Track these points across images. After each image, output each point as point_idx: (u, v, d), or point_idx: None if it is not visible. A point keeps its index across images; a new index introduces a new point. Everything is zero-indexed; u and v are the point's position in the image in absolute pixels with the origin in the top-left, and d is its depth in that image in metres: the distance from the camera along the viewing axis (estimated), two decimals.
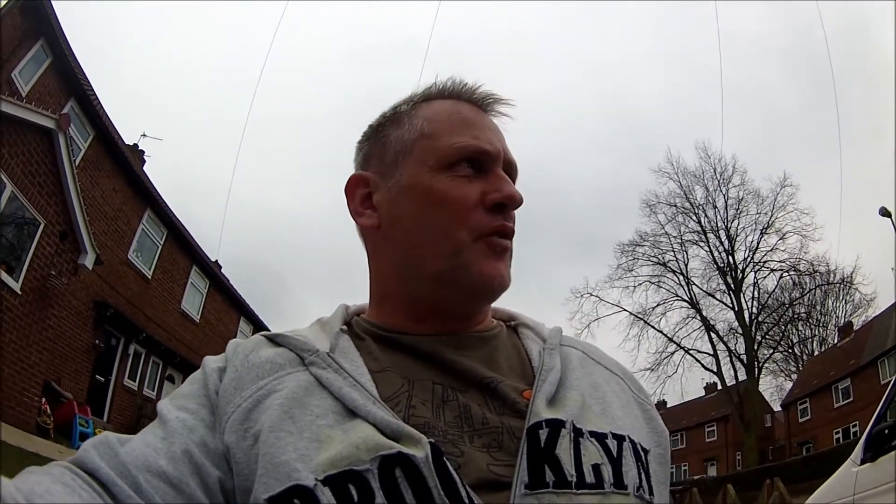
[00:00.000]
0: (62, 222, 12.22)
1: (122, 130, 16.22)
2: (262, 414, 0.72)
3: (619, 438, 0.74)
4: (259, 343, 0.84)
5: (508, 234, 0.85)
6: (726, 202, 33.96)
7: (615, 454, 0.72)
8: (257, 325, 27.60)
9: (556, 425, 0.71)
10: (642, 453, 0.77)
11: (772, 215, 32.74)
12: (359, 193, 0.92)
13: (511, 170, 0.90)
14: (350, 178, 0.94)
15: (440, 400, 0.75)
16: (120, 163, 16.01)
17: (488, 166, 0.86)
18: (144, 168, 18.92)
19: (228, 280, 24.86)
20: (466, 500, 0.63)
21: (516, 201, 0.85)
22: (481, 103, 0.94)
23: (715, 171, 34.19)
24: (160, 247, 19.02)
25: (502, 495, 0.65)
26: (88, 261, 13.07)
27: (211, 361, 0.83)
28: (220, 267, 24.53)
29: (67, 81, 13.42)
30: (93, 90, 14.01)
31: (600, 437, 0.73)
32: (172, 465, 0.68)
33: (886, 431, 4.72)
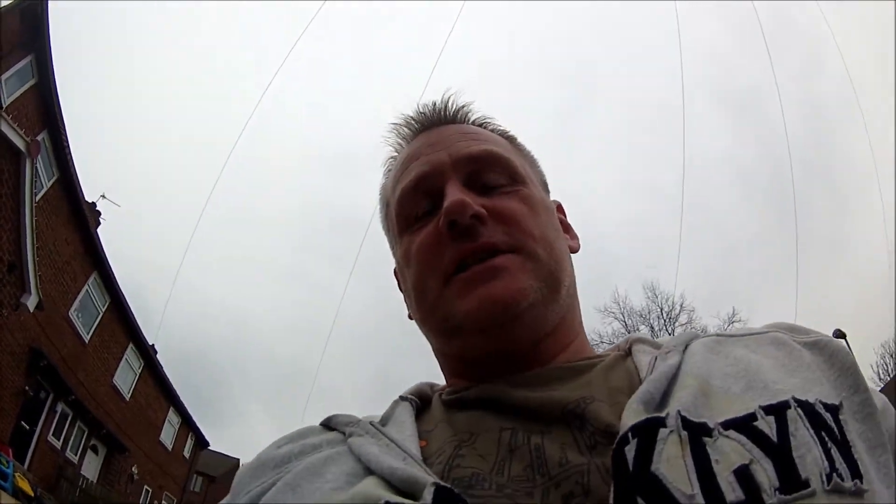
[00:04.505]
0: (12, 253, 11.58)
1: (84, 183, 15.74)
2: (268, 494, 0.62)
3: (778, 409, 0.51)
4: (307, 431, 0.73)
5: (478, 254, 0.70)
6: None
7: (775, 438, 0.48)
8: (186, 420, 26.10)
9: (650, 429, 0.49)
10: (827, 415, 0.52)
11: None
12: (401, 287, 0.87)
13: (479, 164, 0.77)
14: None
15: (507, 449, 0.58)
16: (77, 215, 15.52)
17: (437, 188, 0.75)
18: (98, 230, 18.26)
19: (162, 367, 23.62)
20: None
21: (453, 212, 0.70)
22: (431, 123, 0.85)
23: (662, 311, 34.73)
24: (101, 314, 18.04)
25: None
26: (31, 302, 12.36)
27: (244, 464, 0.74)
28: (157, 352, 23.35)
29: (45, 110, 13.12)
30: (65, 130, 13.72)
31: (743, 424, 0.50)
32: None
33: None
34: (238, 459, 34.39)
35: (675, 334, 0.74)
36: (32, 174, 11.41)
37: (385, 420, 0.70)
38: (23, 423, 13.41)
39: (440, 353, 0.80)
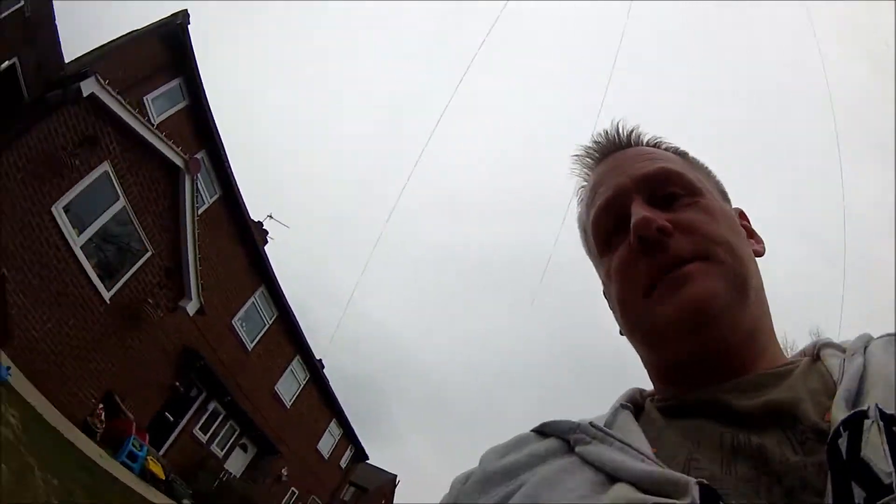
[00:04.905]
0: (170, 260, 12.78)
1: (249, 203, 16.89)
2: None
3: None
4: (523, 440, 0.78)
5: (669, 265, 0.73)
6: None
7: None
8: (347, 432, 27.11)
9: (855, 422, 0.55)
10: None
11: None
12: None
13: (657, 181, 0.81)
14: None
15: (730, 451, 0.62)
16: (242, 232, 16.74)
17: (624, 209, 0.79)
18: (265, 248, 19.69)
19: (328, 381, 24.77)
20: None
21: (640, 228, 0.74)
22: (609, 149, 0.89)
23: None
24: (267, 325, 19.20)
25: None
26: (191, 307, 13.39)
27: (457, 477, 0.80)
28: (324, 366, 24.56)
29: (200, 132, 14.18)
30: (224, 150, 14.88)
31: None
32: None
33: None
34: (395, 475, 35.13)
35: (854, 338, 0.75)
36: (193, 189, 12.48)
37: (609, 425, 0.72)
38: (167, 414, 14.71)
39: (648, 363, 0.82)
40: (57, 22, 9.23)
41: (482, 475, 0.73)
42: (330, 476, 26.24)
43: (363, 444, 28.50)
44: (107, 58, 10.86)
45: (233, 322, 17.29)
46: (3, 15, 7.72)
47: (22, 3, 7.99)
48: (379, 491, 33.95)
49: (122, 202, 10.87)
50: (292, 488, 22.73)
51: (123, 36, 11.64)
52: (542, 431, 0.76)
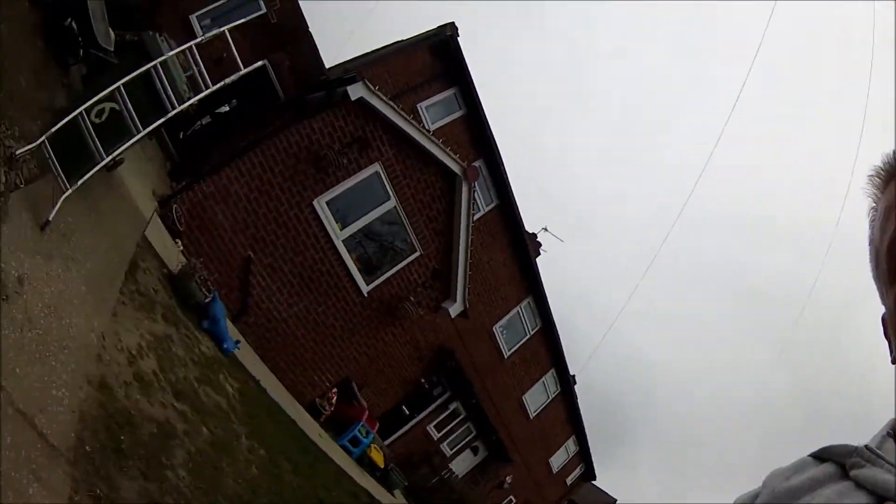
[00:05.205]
0: (439, 262, 12.45)
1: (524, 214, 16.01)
2: None
3: None
4: (803, 464, 0.84)
5: None
6: None
7: None
8: (583, 451, 25.62)
9: None
10: None
11: None
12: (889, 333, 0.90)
13: None
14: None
15: None
16: (515, 242, 16.02)
17: None
18: (537, 260, 18.77)
19: (577, 398, 23.61)
20: None
21: None
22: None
23: None
24: (528, 336, 18.44)
25: None
26: (454, 309, 13.04)
27: (740, 496, 0.86)
28: (576, 382, 23.43)
29: (477, 141, 13.53)
30: (502, 160, 14.07)
31: None
32: None
33: None
34: (615, 500, 32.98)
35: None
36: (470, 196, 12.00)
37: (880, 447, 0.76)
38: (403, 407, 14.61)
39: None
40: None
41: (770, 496, 0.80)
42: (553, 490, 25.11)
43: (595, 464, 27.05)
44: (372, 65, 10.86)
45: (494, 328, 16.76)
46: (248, 19, 7.76)
47: (264, 10, 7.95)
48: None
49: (392, 202, 10.77)
50: (511, 496, 22.03)
51: (387, 46, 11.41)
52: (820, 456, 0.82)
